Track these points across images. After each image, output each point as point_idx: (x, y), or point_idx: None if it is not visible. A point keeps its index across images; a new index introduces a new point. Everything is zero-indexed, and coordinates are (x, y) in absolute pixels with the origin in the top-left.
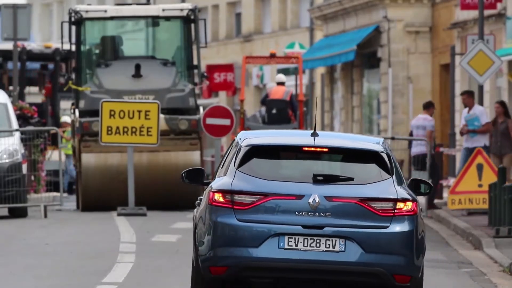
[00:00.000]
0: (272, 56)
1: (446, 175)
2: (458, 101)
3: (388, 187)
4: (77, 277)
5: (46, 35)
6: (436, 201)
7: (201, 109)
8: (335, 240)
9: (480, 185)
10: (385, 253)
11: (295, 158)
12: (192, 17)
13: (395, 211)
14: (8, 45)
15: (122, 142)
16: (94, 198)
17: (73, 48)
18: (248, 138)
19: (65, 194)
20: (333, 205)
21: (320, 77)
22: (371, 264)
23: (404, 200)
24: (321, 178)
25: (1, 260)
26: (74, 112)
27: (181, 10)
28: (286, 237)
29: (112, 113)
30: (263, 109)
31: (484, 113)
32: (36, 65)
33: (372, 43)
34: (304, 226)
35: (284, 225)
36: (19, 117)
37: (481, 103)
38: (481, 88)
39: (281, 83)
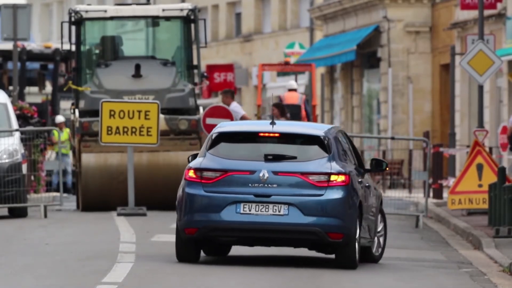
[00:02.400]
0: (287, 63)
1: (446, 175)
2: (458, 101)
3: (324, 163)
4: (77, 277)
5: (46, 35)
6: (436, 201)
7: (201, 109)
8: (280, 206)
9: (480, 185)
10: (320, 216)
11: (253, 142)
12: (192, 17)
13: (329, 182)
14: (8, 45)
15: (122, 142)
16: (94, 198)
17: (73, 48)
18: (219, 127)
19: (65, 194)
20: (279, 178)
21: (320, 77)
22: (309, 224)
23: (337, 173)
24: (270, 157)
25: (1, 260)
26: (74, 112)
27: (181, 10)
28: (242, 204)
29: (112, 113)
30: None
31: (239, 107)
32: (36, 65)
33: (372, 43)
34: (256, 195)
35: (240, 194)
36: (19, 117)
37: (481, 103)
38: (481, 88)
39: (293, 89)
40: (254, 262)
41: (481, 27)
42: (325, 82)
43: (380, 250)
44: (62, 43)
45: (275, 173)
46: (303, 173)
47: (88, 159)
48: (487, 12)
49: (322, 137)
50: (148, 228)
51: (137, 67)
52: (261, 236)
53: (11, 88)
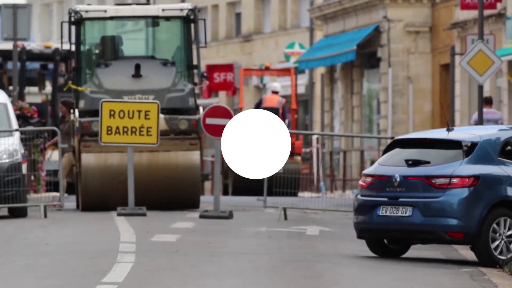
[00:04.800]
0: (267, 68)
1: None
2: (458, 101)
3: (452, 167)
4: (77, 277)
5: (46, 35)
6: None
7: (201, 109)
8: (407, 208)
9: None
10: (438, 216)
11: (407, 148)
12: (192, 17)
13: (450, 184)
14: (8, 45)
15: (122, 142)
16: (94, 198)
17: (73, 48)
18: (401, 135)
19: (65, 194)
20: (407, 182)
21: (320, 77)
22: (428, 224)
23: (460, 177)
24: (410, 162)
25: (1, 260)
26: (74, 112)
27: (181, 10)
28: (381, 207)
29: (112, 113)
30: None
31: None
32: (36, 65)
33: (372, 43)
34: (389, 198)
35: (379, 198)
36: (19, 117)
37: (481, 103)
38: (481, 88)
39: (276, 92)
40: (254, 262)
41: (481, 27)
42: (325, 82)
43: None
44: (62, 43)
45: (406, 177)
46: (427, 177)
47: (88, 159)
48: (487, 12)
49: (463, 142)
50: (148, 228)
51: (137, 67)
52: (392, 236)
53: (11, 88)
